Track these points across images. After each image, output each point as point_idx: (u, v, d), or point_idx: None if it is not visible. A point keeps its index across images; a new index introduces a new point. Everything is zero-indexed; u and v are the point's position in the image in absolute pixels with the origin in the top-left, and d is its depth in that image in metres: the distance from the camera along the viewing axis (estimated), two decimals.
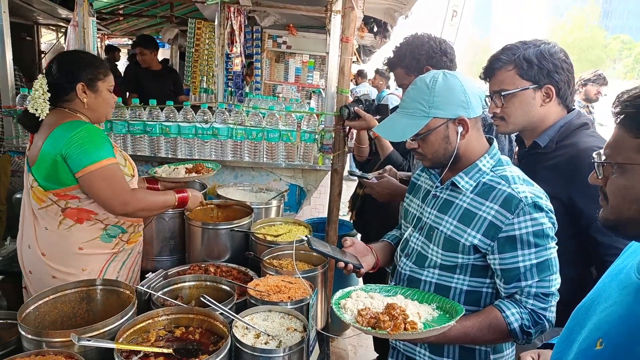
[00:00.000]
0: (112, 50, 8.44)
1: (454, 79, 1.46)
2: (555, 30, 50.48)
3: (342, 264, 1.61)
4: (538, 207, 1.38)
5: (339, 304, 1.49)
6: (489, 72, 1.80)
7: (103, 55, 8.54)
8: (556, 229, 1.42)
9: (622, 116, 0.93)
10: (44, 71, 1.96)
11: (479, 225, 1.43)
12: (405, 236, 1.69)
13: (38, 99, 1.87)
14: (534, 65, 1.69)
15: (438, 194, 1.58)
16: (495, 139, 1.60)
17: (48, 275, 1.90)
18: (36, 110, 1.86)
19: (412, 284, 1.61)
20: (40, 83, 1.89)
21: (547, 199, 1.43)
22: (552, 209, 1.42)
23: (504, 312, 1.39)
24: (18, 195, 2.97)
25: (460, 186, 1.50)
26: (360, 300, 1.50)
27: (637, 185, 0.89)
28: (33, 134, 1.95)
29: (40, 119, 1.87)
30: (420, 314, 1.39)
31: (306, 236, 1.80)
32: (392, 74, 2.68)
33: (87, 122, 1.91)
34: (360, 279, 3.17)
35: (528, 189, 1.41)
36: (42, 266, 1.90)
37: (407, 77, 2.25)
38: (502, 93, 1.74)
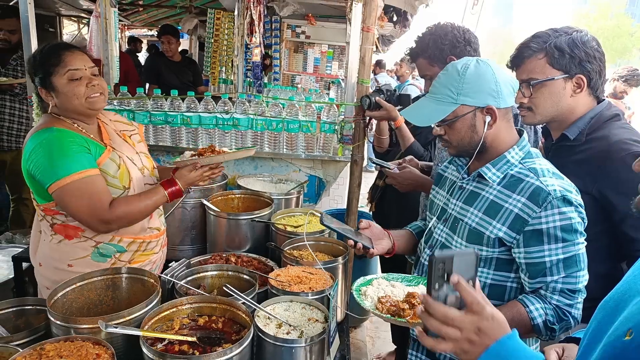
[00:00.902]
0: (134, 42, 8.54)
1: (486, 67, 1.43)
2: (579, 18, 49.19)
3: (351, 242, 1.60)
4: (567, 201, 1.35)
5: (360, 290, 1.50)
6: (518, 60, 1.73)
7: (125, 46, 8.63)
8: (585, 224, 1.38)
9: None
10: None
11: (505, 217, 1.41)
12: (429, 227, 1.68)
13: (36, 109, 1.86)
14: (566, 53, 1.62)
15: (464, 185, 1.56)
16: (524, 131, 1.57)
17: (42, 286, 1.84)
18: (35, 122, 1.84)
19: None
20: (35, 94, 1.79)
21: (578, 193, 1.39)
22: (582, 204, 1.38)
23: (528, 306, 1.37)
24: None
25: (487, 177, 1.48)
26: (381, 288, 1.51)
27: None
28: None
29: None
30: None
31: (320, 212, 1.80)
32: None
33: (54, 129, 1.67)
34: (379, 270, 3.18)
35: (557, 182, 1.38)
36: (38, 276, 1.85)
37: (430, 68, 2.21)
38: (531, 82, 1.68)
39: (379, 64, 9.64)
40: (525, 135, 1.53)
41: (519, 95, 1.73)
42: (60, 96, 1.70)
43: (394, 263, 2.80)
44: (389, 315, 1.34)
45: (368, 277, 1.57)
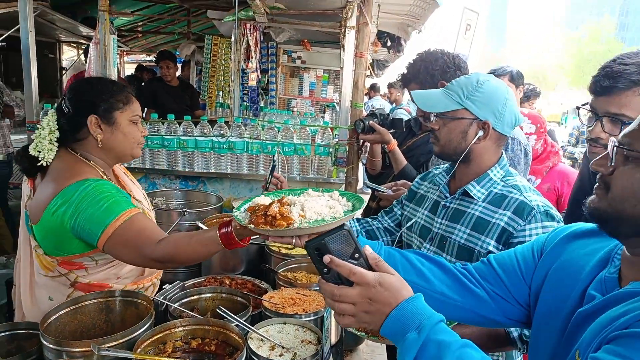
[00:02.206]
0: (141, 70, 8.44)
1: (503, 91, 1.51)
2: (571, 43, 50.16)
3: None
4: (550, 216, 1.41)
5: None
6: (608, 89, 1.39)
7: (123, 74, 8.69)
8: None
9: None
10: (55, 105, 1.67)
11: (493, 232, 1.46)
12: (413, 248, 1.71)
13: (43, 140, 1.55)
14: None
15: (448, 204, 1.61)
16: (508, 152, 1.63)
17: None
18: (39, 152, 1.54)
19: None
20: (49, 120, 1.59)
21: (556, 210, 1.45)
22: (562, 219, 1.44)
23: None
24: None
25: (472, 194, 1.54)
26: None
27: None
28: (32, 179, 1.65)
29: (39, 164, 1.55)
30: None
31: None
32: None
33: (91, 180, 1.53)
34: None
35: (539, 198, 1.46)
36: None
37: None
38: (624, 120, 1.36)
39: (374, 88, 9.79)
40: (504, 155, 1.60)
41: (598, 129, 1.43)
42: (116, 134, 1.63)
43: None
44: (364, 334, 1.36)
45: None
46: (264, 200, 1.39)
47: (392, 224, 1.89)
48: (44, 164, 1.56)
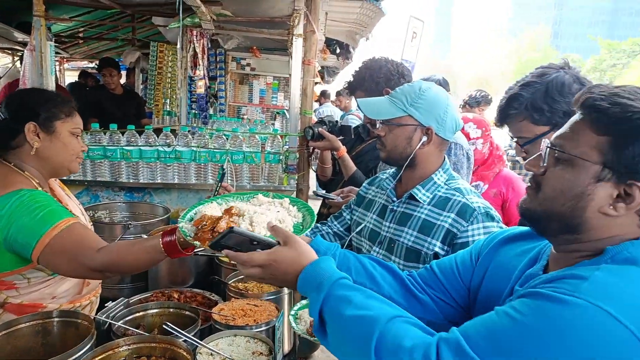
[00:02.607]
0: (85, 76, 8.02)
1: (444, 98, 1.57)
2: (510, 53, 52.76)
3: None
4: (490, 216, 1.48)
5: (297, 315, 1.52)
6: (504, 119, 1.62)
7: (63, 81, 8.28)
8: None
9: (589, 110, 0.88)
10: None
11: (438, 233, 1.51)
12: (363, 252, 1.74)
13: None
14: (545, 111, 1.51)
15: (395, 208, 1.65)
16: (446, 156, 1.70)
17: None
18: None
19: None
20: None
21: (495, 211, 1.53)
22: (501, 219, 1.52)
23: None
24: None
25: (418, 198, 1.59)
26: None
27: (580, 183, 0.87)
28: None
29: None
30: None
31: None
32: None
33: (24, 191, 1.46)
34: None
35: (480, 200, 1.53)
36: None
37: None
38: (521, 143, 1.58)
39: (324, 95, 9.86)
40: (447, 160, 1.67)
41: (517, 149, 1.64)
42: (55, 143, 1.56)
43: None
44: (315, 338, 1.36)
45: (306, 301, 1.58)
46: (211, 209, 1.36)
47: (341, 229, 1.91)
48: None
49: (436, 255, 1.51)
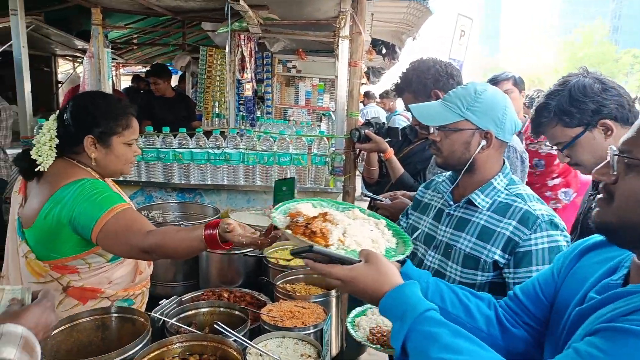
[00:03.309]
0: (138, 80, 8.39)
1: (502, 99, 1.53)
2: (565, 46, 50.49)
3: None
4: (554, 225, 1.42)
5: (354, 322, 1.51)
6: (537, 129, 1.73)
7: (120, 86, 8.65)
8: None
9: None
10: (57, 112, 1.74)
11: (498, 240, 1.46)
12: (418, 255, 1.70)
13: (43, 146, 1.62)
14: (574, 113, 1.59)
15: (452, 212, 1.61)
16: (506, 159, 1.63)
17: None
18: (40, 156, 1.61)
19: None
20: (49, 127, 1.66)
21: (560, 219, 1.45)
22: (565, 227, 1.44)
23: None
24: None
25: (476, 204, 1.54)
26: (374, 318, 1.51)
27: None
28: (25, 184, 1.71)
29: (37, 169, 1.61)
30: None
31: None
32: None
33: (86, 179, 1.62)
34: None
35: (544, 207, 1.46)
36: None
37: (415, 101, 2.26)
38: (560, 148, 1.68)
39: (368, 95, 9.79)
40: (507, 163, 1.60)
41: (561, 157, 1.72)
42: (110, 155, 1.71)
43: None
44: (379, 347, 1.35)
45: (362, 308, 1.57)
46: (306, 208, 1.38)
47: None
48: (42, 169, 1.61)
49: (496, 264, 1.46)
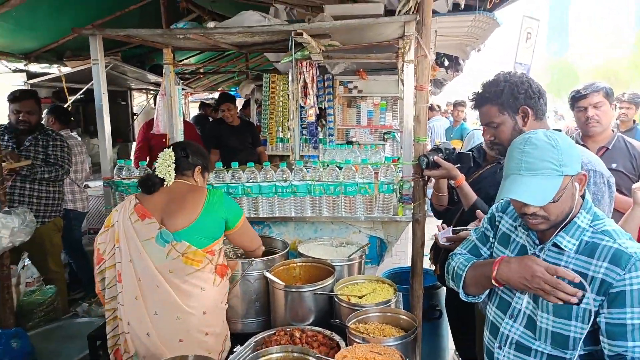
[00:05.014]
0: (204, 107, 8.81)
1: (565, 135, 1.45)
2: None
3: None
4: None
5: None
6: None
7: (188, 114, 9.11)
8: None
9: None
10: (170, 147, 2.25)
11: (592, 285, 1.37)
12: (505, 298, 1.60)
13: (165, 168, 2.15)
14: None
15: (538, 254, 1.50)
16: (592, 186, 1.52)
17: (199, 332, 2.05)
18: (165, 175, 2.14)
19: (521, 350, 1.52)
20: (169, 154, 2.19)
21: None
22: None
23: None
24: None
25: (563, 247, 1.44)
26: None
27: None
28: (144, 207, 2.09)
29: (164, 184, 2.14)
30: None
31: None
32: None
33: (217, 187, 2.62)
34: (452, 341, 3.01)
35: (635, 244, 1.37)
36: (194, 327, 2.03)
37: (498, 115, 2.08)
38: None
39: (431, 108, 9.58)
40: (588, 196, 1.49)
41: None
42: (202, 184, 2.32)
43: (461, 321, 2.70)
44: None
45: None
46: None
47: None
48: (166, 184, 2.14)
49: (591, 312, 1.37)
